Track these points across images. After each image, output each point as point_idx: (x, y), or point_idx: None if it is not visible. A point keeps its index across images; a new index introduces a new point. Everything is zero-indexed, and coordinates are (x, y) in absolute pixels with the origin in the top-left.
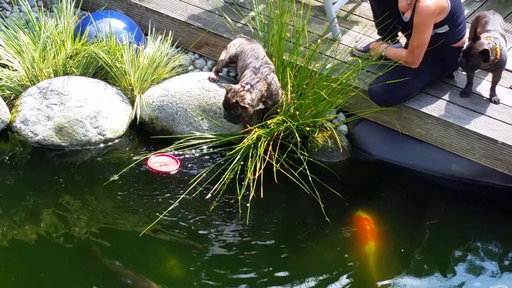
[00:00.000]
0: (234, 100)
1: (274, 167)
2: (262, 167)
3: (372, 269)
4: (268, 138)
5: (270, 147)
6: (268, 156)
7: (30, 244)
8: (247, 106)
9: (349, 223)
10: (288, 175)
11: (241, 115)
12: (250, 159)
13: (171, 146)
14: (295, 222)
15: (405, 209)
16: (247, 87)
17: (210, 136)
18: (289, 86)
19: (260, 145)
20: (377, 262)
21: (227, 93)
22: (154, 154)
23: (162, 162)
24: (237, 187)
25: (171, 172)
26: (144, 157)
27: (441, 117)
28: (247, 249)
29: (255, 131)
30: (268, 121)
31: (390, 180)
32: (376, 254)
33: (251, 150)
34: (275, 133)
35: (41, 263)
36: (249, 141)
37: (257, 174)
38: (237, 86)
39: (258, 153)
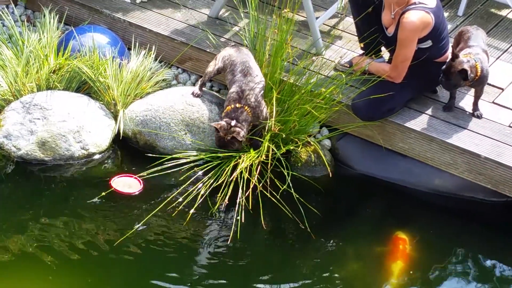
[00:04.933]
0: (229, 137)
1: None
2: (250, 187)
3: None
4: (255, 161)
5: (257, 170)
6: (254, 176)
7: (11, 259)
8: (243, 139)
9: (332, 238)
10: (271, 190)
11: (238, 148)
12: (239, 180)
13: (152, 170)
14: (278, 238)
15: (388, 223)
16: (233, 122)
17: (194, 154)
18: (274, 108)
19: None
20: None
21: (218, 132)
22: (118, 175)
23: (126, 183)
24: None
25: (135, 193)
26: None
27: (424, 132)
28: (236, 262)
29: (247, 155)
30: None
31: (373, 195)
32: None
33: (239, 168)
34: (262, 157)
35: (20, 278)
36: (240, 165)
37: (245, 195)
38: (224, 123)
39: (243, 175)
